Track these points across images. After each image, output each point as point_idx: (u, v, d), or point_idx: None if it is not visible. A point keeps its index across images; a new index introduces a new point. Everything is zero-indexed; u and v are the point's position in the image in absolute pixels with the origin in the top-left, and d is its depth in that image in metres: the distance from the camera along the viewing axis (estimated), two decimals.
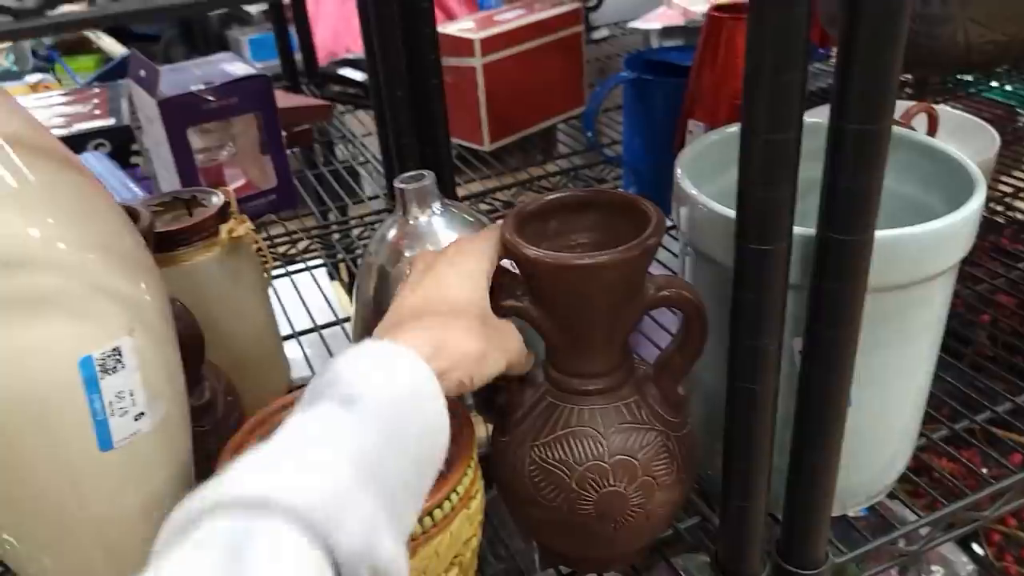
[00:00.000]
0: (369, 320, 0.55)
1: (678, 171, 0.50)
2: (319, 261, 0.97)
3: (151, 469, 0.41)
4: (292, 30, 1.26)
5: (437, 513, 0.40)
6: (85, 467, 0.38)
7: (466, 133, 1.05)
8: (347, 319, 0.83)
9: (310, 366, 0.72)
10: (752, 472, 0.44)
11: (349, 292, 1.17)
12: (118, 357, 0.37)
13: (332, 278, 1.15)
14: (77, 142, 1.03)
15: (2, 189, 0.34)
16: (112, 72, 1.27)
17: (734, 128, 0.54)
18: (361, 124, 1.18)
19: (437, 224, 0.53)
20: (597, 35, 1.44)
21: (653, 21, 1.39)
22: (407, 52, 0.83)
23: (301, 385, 0.66)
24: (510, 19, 1.04)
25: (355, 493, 0.29)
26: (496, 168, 1.03)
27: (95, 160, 0.96)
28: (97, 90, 1.18)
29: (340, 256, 0.93)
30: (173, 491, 0.43)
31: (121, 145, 1.05)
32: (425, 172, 0.53)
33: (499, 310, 0.46)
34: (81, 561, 0.41)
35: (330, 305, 0.84)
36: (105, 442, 0.38)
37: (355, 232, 0.93)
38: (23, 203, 0.35)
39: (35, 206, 0.35)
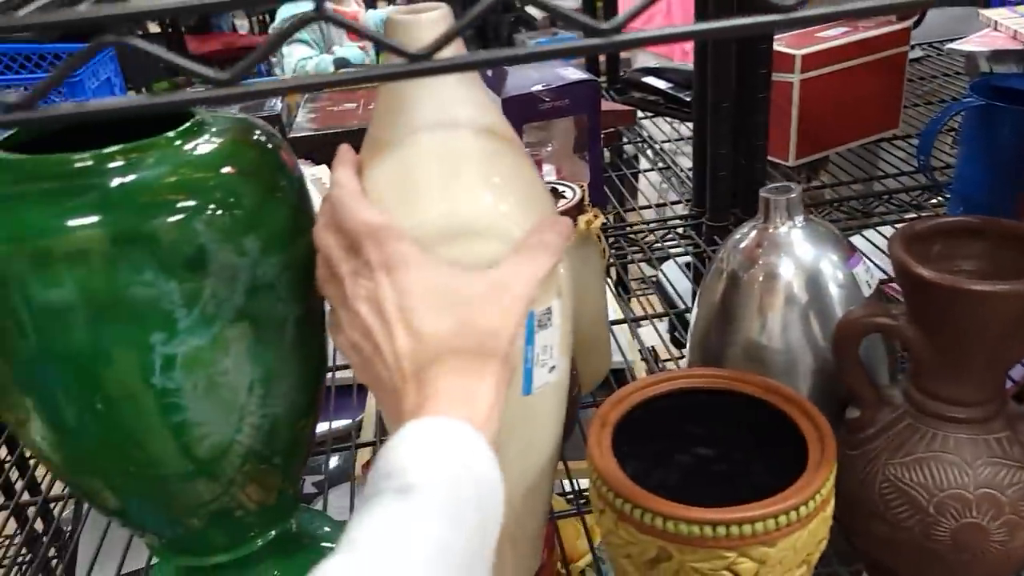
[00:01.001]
0: (712, 322, 0.58)
1: None
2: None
3: (548, 417, 0.47)
4: None
5: (802, 510, 0.42)
6: (510, 405, 0.44)
7: (772, 147, 1.05)
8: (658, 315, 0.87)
9: (622, 352, 0.77)
10: None
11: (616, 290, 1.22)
12: (549, 315, 0.43)
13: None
14: None
15: (480, 172, 0.41)
16: None
17: None
18: (660, 131, 1.22)
19: (796, 236, 0.55)
20: (911, 55, 1.36)
21: (978, 44, 1.30)
22: (737, 65, 0.85)
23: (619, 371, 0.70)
24: (834, 36, 1.02)
25: None
26: (800, 184, 1.02)
27: None
28: None
29: (640, 255, 0.97)
30: (552, 440, 0.49)
31: None
32: (791, 184, 0.55)
33: (867, 327, 0.47)
34: None
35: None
36: (527, 387, 0.44)
37: (658, 233, 0.97)
38: (493, 185, 0.42)
39: (500, 187, 0.42)
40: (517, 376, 0.44)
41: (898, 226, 0.75)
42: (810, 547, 0.44)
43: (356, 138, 1.13)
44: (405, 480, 0.31)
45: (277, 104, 1.21)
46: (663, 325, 1.04)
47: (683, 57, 1.64)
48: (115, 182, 0.40)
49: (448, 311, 0.36)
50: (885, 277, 0.73)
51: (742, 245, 0.57)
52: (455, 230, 0.41)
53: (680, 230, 0.95)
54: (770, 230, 0.55)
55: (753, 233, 0.56)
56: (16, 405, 0.44)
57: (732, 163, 0.90)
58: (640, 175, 1.17)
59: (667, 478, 0.55)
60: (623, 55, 1.47)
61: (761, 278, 0.55)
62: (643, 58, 1.50)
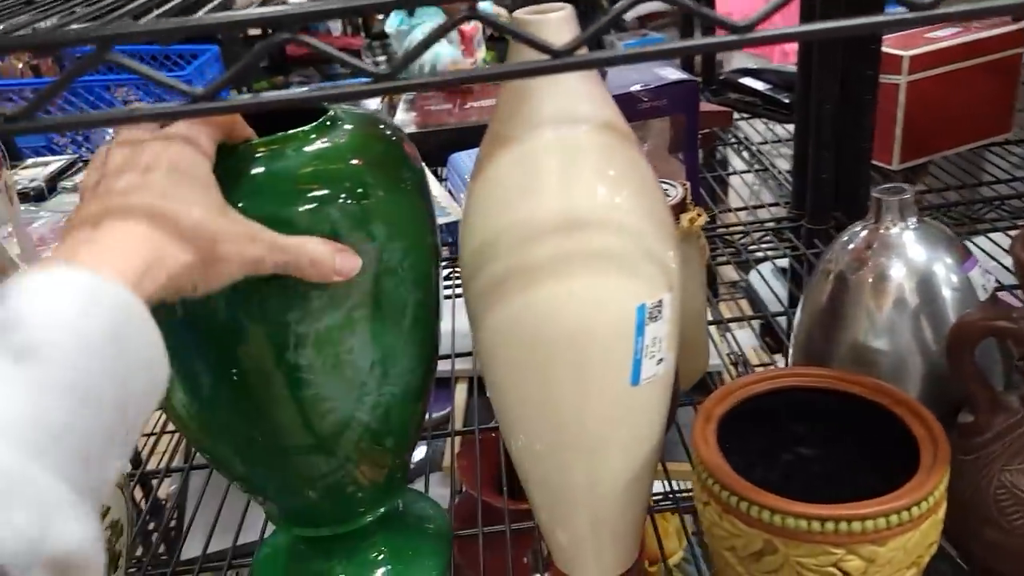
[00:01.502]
0: (817, 324, 0.58)
1: None
2: None
3: (653, 410, 0.48)
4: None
5: (915, 510, 0.42)
6: (614, 397, 0.46)
7: (875, 150, 1.03)
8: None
9: (718, 355, 0.77)
10: None
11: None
12: (660, 308, 0.44)
13: None
14: None
15: (597, 166, 0.43)
16: None
17: None
18: (756, 132, 1.21)
19: (908, 237, 0.54)
20: None
21: None
22: (843, 66, 0.84)
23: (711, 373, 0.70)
24: (944, 37, 1.00)
25: (19, 475, 0.24)
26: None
27: None
28: None
29: (735, 257, 0.97)
30: (656, 433, 0.50)
31: None
32: (905, 185, 0.54)
33: (985, 330, 0.46)
34: (584, 469, 0.49)
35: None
36: (635, 378, 0.45)
37: (754, 235, 0.96)
38: (608, 178, 0.43)
39: (615, 180, 0.43)
40: (625, 366, 0.45)
41: (1012, 232, 0.73)
42: (920, 549, 0.43)
43: (451, 136, 1.16)
44: (24, 337, 0.26)
45: (378, 103, 1.26)
46: (743, 333, 1.03)
47: (781, 59, 1.61)
48: (258, 171, 0.43)
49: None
50: (997, 284, 0.71)
51: (851, 246, 0.56)
52: (572, 222, 0.42)
53: (777, 232, 0.94)
54: (881, 231, 0.55)
55: (864, 234, 0.56)
56: None
57: (834, 165, 0.89)
58: (732, 176, 1.16)
59: (768, 476, 0.55)
60: (718, 56, 1.46)
61: (871, 280, 0.54)
62: (739, 59, 1.49)
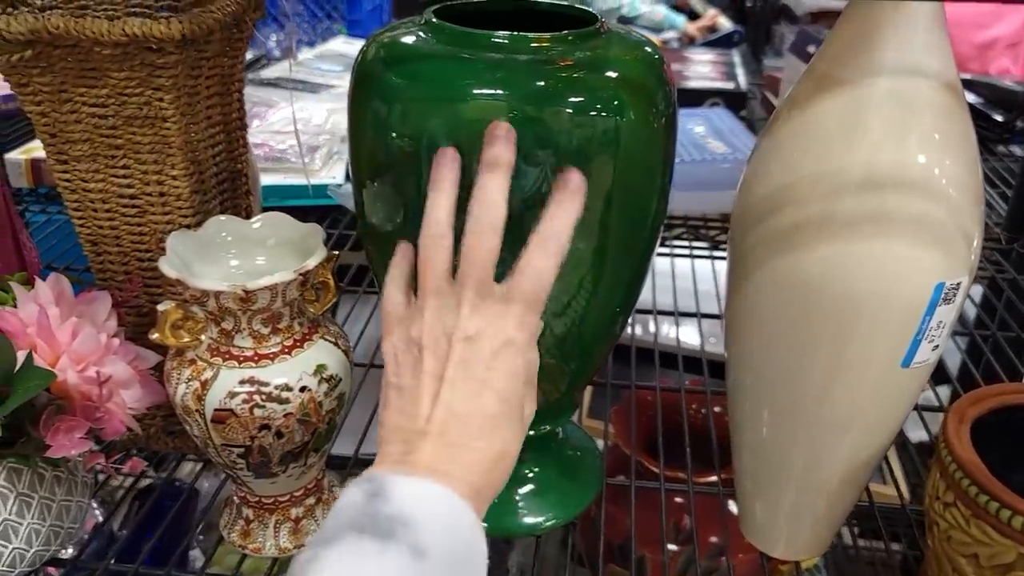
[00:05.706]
0: None
1: None
2: None
3: (907, 398, 0.46)
4: None
5: None
6: (876, 376, 0.43)
7: None
8: None
9: None
10: None
11: None
12: (956, 292, 0.41)
13: None
14: (697, 96, 1.15)
15: (929, 127, 0.39)
16: (720, 41, 1.39)
17: None
18: None
19: None
20: None
21: None
22: None
23: None
24: None
25: None
26: None
27: (720, 113, 1.07)
28: (711, 56, 1.31)
29: None
30: (898, 423, 0.47)
31: (731, 105, 1.15)
32: None
33: None
34: (808, 448, 0.47)
35: None
36: (907, 360, 0.42)
37: None
38: (936, 142, 0.40)
39: (946, 146, 0.40)
40: (902, 346, 0.42)
41: None
42: None
43: None
44: (417, 538, 0.32)
45: None
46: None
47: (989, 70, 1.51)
48: (519, 63, 0.41)
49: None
50: None
51: None
52: (890, 180, 0.39)
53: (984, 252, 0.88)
54: None
55: None
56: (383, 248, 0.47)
57: None
58: None
59: None
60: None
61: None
62: None
